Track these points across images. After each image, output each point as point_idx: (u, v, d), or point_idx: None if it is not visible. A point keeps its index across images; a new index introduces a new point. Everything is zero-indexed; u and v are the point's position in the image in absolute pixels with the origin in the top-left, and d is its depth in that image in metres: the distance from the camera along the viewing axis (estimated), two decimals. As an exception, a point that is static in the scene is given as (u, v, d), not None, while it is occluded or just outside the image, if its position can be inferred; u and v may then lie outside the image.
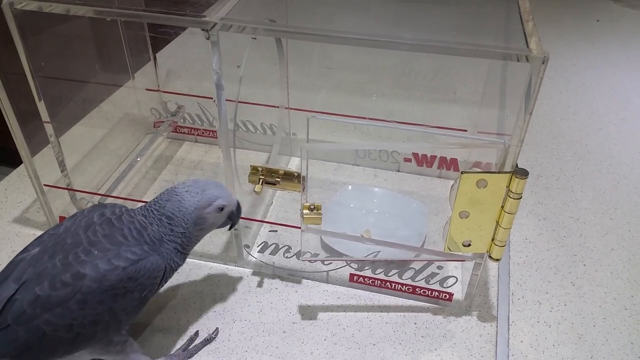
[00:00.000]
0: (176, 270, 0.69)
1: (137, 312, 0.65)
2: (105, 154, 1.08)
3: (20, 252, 0.64)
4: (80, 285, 0.58)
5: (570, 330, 0.80)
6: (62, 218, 0.93)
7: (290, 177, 0.77)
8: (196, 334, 0.77)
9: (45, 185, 0.90)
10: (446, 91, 1.27)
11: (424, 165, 1.10)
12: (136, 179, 1.07)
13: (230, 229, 0.75)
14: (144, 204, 0.69)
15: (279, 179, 0.77)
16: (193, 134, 1.18)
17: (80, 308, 0.59)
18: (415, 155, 1.10)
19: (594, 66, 1.55)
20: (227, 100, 0.73)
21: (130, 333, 0.67)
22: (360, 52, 1.35)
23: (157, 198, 0.68)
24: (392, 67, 1.31)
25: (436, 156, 1.09)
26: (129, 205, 0.98)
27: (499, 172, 0.66)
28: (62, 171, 0.90)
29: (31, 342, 0.58)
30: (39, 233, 0.93)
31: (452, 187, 0.70)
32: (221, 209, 0.68)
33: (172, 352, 0.74)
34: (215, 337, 0.77)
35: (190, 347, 0.75)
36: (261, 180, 0.77)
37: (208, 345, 0.76)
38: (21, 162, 0.93)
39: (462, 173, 0.66)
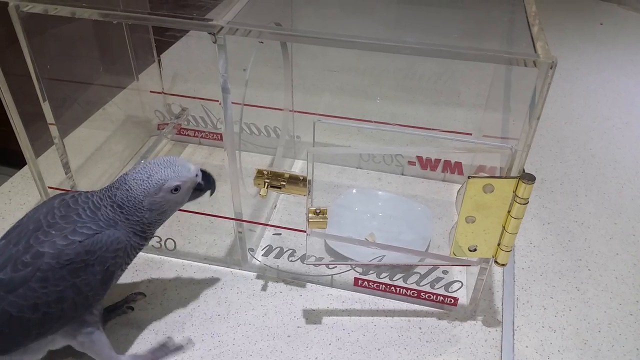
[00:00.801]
0: (139, 249, 0.69)
1: (104, 288, 0.65)
2: (109, 156, 1.08)
3: None
4: (39, 263, 0.59)
5: (576, 336, 0.80)
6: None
7: (296, 181, 0.77)
8: (169, 338, 0.76)
9: (49, 187, 0.90)
10: (450, 94, 1.27)
11: (428, 168, 1.10)
12: (140, 181, 1.07)
13: (211, 195, 0.73)
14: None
15: (284, 183, 0.77)
16: (197, 136, 1.18)
17: (42, 287, 0.60)
18: (419, 158, 1.09)
19: (598, 70, 1.55)
20: (232, 103, 0.73)
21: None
22: (364, 55, 1.35)
23: (110, 185, 0.67)
24: (396, 70, 1.31)
25: (440, 160, 1.08)
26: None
27: (505, 177, 0.66)
28: (66, 173, 0.90)
29: (0, 326, 0.59)
30: (42, 235, 0.94)
31: (458, 191, 0.70)
32: (175, 189, 0.66)
33: (140, 354, 0.74)
34: (184, 348, 0.76)
35: (158, 350, 0.74)
36: (266, 183, 0.77)
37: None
38: (25, 164, 0.93)
39: (468, 178, 0.66)
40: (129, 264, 0.69)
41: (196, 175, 0.68)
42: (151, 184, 0.65)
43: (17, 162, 1.11)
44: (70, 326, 0.65)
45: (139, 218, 0.66)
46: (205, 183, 0.70)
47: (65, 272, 0.60)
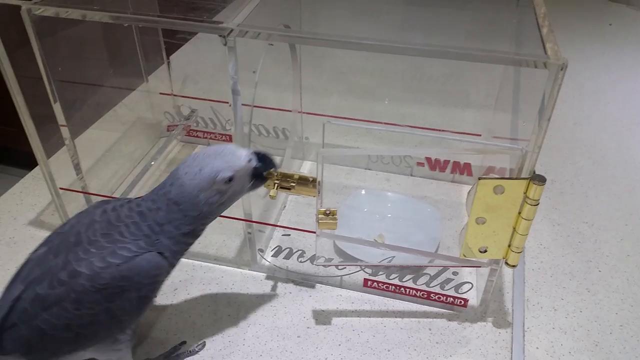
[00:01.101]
0: (185, 251, 0.66)
1: (139, 313, 0.63)
2: (119, 157, 1.09)
3: (32, 252, 0.65)
4: (74, 284, 0.58)
5: (587, 337, 0.79)
6: (77, 221, 0.93)
7: (305, 182, 0.77)
8: (182, 343, 0.76)
9: (60, 188, 0.90)
10: (459, 95, 1.27)
11: (437, 169, 1.10)
12: (150, 182, 1.07)
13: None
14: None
15: (293, 184, 0.77)
16: (206, 138, 1.19)
17: (76, 308, 0.58)
18: (428, 159, 1.09)
19: (607, 70, 1.54)
20: (242, 105, 0.73)
21: (142, 334, 0.67)
22: (372, 56, 1.35)
23: (164, 182, 0.63)
24: (404, 71, 1.31)
25: (449, 161, 1.08)
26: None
27: (516, 178, 0.66)
28: (77, 174, 0.91)
29: (34, 341, 0.59)
30: (54, 236, 0.95)
31: (469, 192, 0.70)
32: (230, 179, 0.62)
33: (153, 358, 0.74)
34: (199, 350, 0.75)
35: (172, 355, 0.74)
36: (276, 185, 0.77)
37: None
38: (35, 165, 0.94)
39: (479, 179, 0.66)
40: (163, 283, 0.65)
41: (249, 161, 0.63)
42: (204, 178, 0.60)
43: (28, 163, 1.12)
44: (102, 343, 0.63)
45: (198, 213, 0.62)
46: (263, 165, 0.66)
47: (100, 296, 0.58)
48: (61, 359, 0.62)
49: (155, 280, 0.62)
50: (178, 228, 0.62)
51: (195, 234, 0.65)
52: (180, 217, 0.61)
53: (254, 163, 0.64)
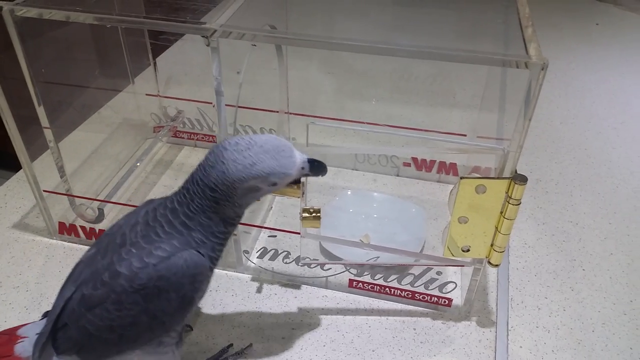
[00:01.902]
0: (225, 243, 0.62)
1: (181, 314, 0.61)
2: (104, 159, 1.09)
3: (84, 253, 0.64)
4: (115, 284, 0.57)
5: (570, 336, 0.80)
6: (61, 224, 0.93)
7: (290, 183, 0.77)
8: (229, 345, 0.76)
9: (44, 191, 0.90)
10: (446, 95, 1.27)
11: (423, 169, 1.10)
12: (136, 184, 1.07)
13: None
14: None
15: (278, 185, 0.77)
16: (192, 139, 1.18)
17: (117, 309, 0.57)
18: (414, 159, 1.10)
19: (593, 70, 1.56)
20: (226, 105, 0.73)
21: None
22: (359, 56, 1.36)
23: (202, 164, 0.59)
24: (391, 71, 1.31)
25: (435, 161, 1.09)
26: (128, 210, 0.99)
27: (498, 178, 0.67)
28: (61, 177, 0.90)
29: (83, 341, 0.59)
30: (38, 239, 0.94)
31: (451, 192, 0.70)
32: (274, 184, 0.59)
33: None
34: (246, 352, 0.75)
35: (221, 358, 0.74)
36: (260, 185, 0.77)
37: (207, 352, 0.76)
38: (21, 167, 0.93)
39: (461, 178, 0.66)
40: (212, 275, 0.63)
41: (302, 169, 0.60)
42: (252, 174, 0.56)
43: (13, 165, 1.11)
44: (148, 345, 0.62)
45: (230, 203, 0.58)
46: (312, 173, 0.62)
47: (139, 297, 0.57)
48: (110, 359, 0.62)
49: (195, 279, 0.59)
50: (209, 218, 0.59)
51: (226, 229, 0.62)
52: (211, 206, 0.58)
53: (306, 171, 0.61)
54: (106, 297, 0.57)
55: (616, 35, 1.77)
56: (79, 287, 0.59)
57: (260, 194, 0.60)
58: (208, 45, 0.67)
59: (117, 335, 0.59)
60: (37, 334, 0.61)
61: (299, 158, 0.59)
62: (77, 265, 0.63)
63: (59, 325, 0.60)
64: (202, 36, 0.67)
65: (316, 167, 0.61)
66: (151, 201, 0.64)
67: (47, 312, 0.64)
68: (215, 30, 0.67)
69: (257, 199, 0.61)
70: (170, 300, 0.58)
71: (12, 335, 0.63)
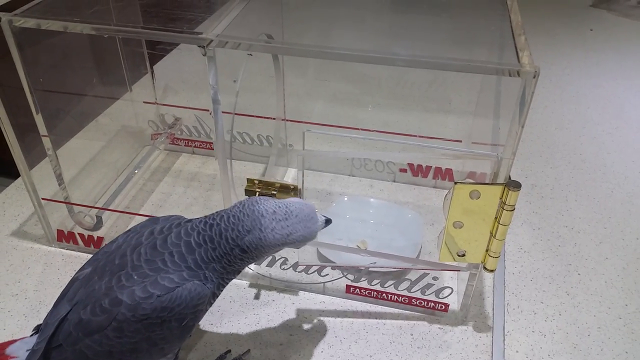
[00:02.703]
0: (220, 290, 0.65)
1: (180, 340, 0.62)
2: (102, 167, 1.09)
3: (79, 270, 0.64)
4: (116, 312, 0.57)
5: (565, 340, 0.80)
6: (59, 231, 0.93)
7: (287, 190, 0.78)
8: (227, 352, 0.77)
9: (43, 199, 0.90)
10: (441, 102, 1.28)
11: (419, 175, 1.11)
12: (133, 191, 1.08)
13: None
14: (202, 217, 0.63)
15: (275, 192, 0.78)
16: (190, 146, 1.19)
17: (117, 336, 0.57)
18: (410, 165, 1.10)
19: (587, 75, 1.57)
20: (223, 112, 0.74)
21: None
22: (355, 63, 1.36)
23: (235, 223, 0.60)
24: (387, 78, 1.33)
25: (431, 167, 1.10)
26: (126, 218, 1.00)
27: (491, 184, 0.67)
28: (59, 184, 0.91)
29: None
30: (37, 246, 0.95)
31: (445, 197, 0.71)
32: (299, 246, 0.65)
33: None
34: (245, 358, 0.76)
35: None
36: (257, 193, 0.78)
37: (205, 358, 0.76)
38: (19, 175, 0.93)
39: (455, 184, 0.67)
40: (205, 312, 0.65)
41: (322, 227, 0.66)
42: (286, 242, 0.61)
43: (11, 172, 1.12)
44: None
45: (253, 260, 0.62)
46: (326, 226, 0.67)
47: (141, 326, 0.57)
48: None
49: (196, 309, 0.60)
50: (224, 268, 0.61)
51: (234, 276, 0.65)
52: (235, 260, 0.61)
53: (322, 227, 0.66)
54: (106, 324, 0.57)
55: (610, 41, 1.79)
56: (75, 307, 0.59)
57: (280, 250, 0.65)
58: (205, 55, 0.68)
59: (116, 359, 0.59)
60: (27, 350, 0.61)
61: (320, 220, 0.65)
62: (72, 282, 0.62)
63: (53, 344, 0.59)
64: (199, 46, 0.68)
65: (328, 222, 0.67)
66: (155, 220, 0.65)
67: (38, 326, 0.63)
68: (212, 40, 0.68)
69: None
70: (171, 329, 0.59)
71: (1, 355, 0.62)
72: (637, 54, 1.70)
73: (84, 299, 0.59)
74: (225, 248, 0.60)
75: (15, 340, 0.63)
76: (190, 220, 0.64)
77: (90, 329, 0.57)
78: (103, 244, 0.92)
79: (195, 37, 0.68)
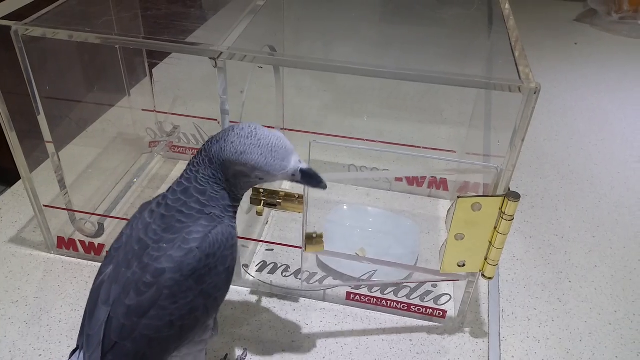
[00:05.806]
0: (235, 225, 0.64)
1: (228, 285, 0.63)
2: (101, 173, 1.09)
3: (96, 276, 0.63)
4: (163, 281, 0.57)
5: (559, 345, 0.83)
6: (60, 238, 0.93)
7: (291, 199, 0.79)
8: (225, 357, 0.78)
9: (44, 205, 0.90)
10: (435, 112, 1.32)
11: (415, 184, 1.14)
12: (132, 198, 1.08)
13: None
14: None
15: (280, 200, 0.79)
16: (188, 154, 1.20)
17: (173, 302, 0.57)
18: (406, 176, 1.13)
19: (573, 87, 1.62)
20: (231, 122, 0.75)
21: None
22: (351, 75, 1.39)
23: (213, 136, 0.60)
24: (382, 88, 1.35)
25: (426, 177, 1.12)
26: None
27: (492, 196, 0.70)
28: (61, 190, 0.91)
29: (142, 350, 0.58)
30: (36, 253, 0.95)
31: (448, 211, 0.73)
32: (260, 177, 0.60)
33: None
34: (245, 357, 0.77)
35: None
36: (263, 202, 0.79)
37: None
38: (14, 181, 0.94)
39: (458, 197, 0.69)
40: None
41: (292, 175, 0.60)
42: (240, 161, 0.58)
43: (6, 179, 1.12)
44: (198, 332, 0.63)
45: (226, 177, 0.60)
46: (306, 183, 0.63)
47: (192, 282, 0.58)
48: None
49: (234, 249, 0.62)
50: (216, 191, 0.61)
51: (232, 203, 0.63)
52: (213, 175, 0.60)
53: (297, 179, 0.61)
54: (158, 296, 0.57)
55: (593, 54, 1.84)
56: (115, 304, 0.58)
57: (251, 181, 0.62)
58: (215, 66, 0.70)
59: (177, 328, 0.59)
60: None
61: (292, 165, 0.59)
62: (99, 286, 0.61)
63: (107, 348, 0.58)
64: (210, 58, 0.69)
65: (309, 178, 0.62)
66: (147, 204, 0.65)
67: (74, 350, 0.61)
68: (222, 52, 0.70)
69: (251, 185, 0.63)
70: (219, 274, 0.60)
71: None
72: (620, 67, 1.75)
73: (120, 292, 0.58)
74: (203, 161, 0.60)
75: None
76: (176, 182, 0.63)
77: (143, 308, 0.57)
78: (104, 251, 0.93)
79: (206, 49, 0.70)
